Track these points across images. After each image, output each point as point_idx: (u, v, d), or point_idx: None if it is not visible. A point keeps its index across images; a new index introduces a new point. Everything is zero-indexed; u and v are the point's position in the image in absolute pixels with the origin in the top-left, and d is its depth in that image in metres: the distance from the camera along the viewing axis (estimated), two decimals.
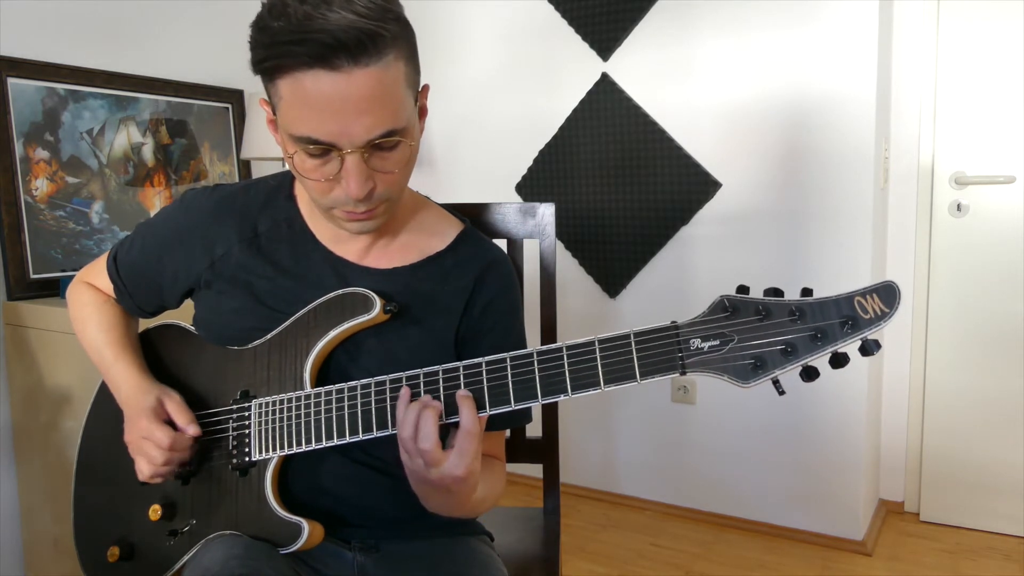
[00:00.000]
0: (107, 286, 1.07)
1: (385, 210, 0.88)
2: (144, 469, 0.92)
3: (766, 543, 2.27)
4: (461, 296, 0.97)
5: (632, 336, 0.78)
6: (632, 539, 2.32)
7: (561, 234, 2.56)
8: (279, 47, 0.74)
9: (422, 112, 0.90)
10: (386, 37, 0.75)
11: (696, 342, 0.76)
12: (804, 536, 2.27)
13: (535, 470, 1.33)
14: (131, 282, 1.04)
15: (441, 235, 1.00)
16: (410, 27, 0.83)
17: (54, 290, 1.90)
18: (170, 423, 0.93)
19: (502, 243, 1.20)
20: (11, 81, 1.86)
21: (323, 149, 0.79)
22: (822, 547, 2.23)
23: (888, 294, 0.72)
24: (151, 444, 0.91)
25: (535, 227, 1.30)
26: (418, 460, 0.81)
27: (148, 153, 2.18)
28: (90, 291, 1.08)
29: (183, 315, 1.05)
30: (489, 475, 0.96)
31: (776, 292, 0.76)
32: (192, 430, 0.92)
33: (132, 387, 0.96)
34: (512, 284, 1.03)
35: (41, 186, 1.91)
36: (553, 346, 0.81)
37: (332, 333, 0.91)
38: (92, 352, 1.03)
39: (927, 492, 2.37)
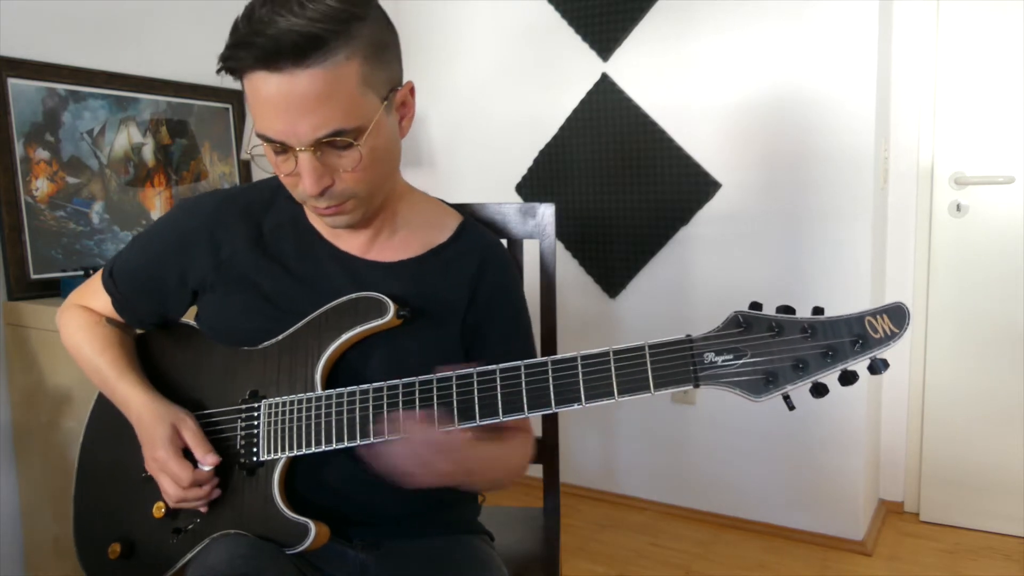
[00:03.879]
0: (101, 306, 1.04)
1: (355, 206, 0.88)
2: (170, 497, 0.92)
3: (766, 543, 2.27)
4: (465, 289, 0.98)
5: (647, 348, 0.79)
6: (632, 539, 2.32)
7: (561, 234, 2.56)
8: (233, 50, 0.79)
9: (405, 109, 0.91)
10: (328, 40, 0.77)
11: (710, 356, 0.78)
12: (804, 536, 2.27)
13: (535, 470, 1.33)
14: (132, 292, 1.02)
15: (442, 227, 1.01)
16: (380, 26, 0.84)
17: (54, 290, 1.89)
18: (187, 452, 0.92)
19: (502, 243, 1.20)
20: (11, 81, 1.86)
21: (281, 146, 0.82)
22: (822, 547, 2.23)
23: (898, 315, 0.75)
24: (168, 479, 0.90)
25: (535, 227, 1.30)
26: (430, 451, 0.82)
27: (148, 153, 2.18)
28: (81, 314, 1.05)
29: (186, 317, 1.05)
30: (500, 445, 0.98)
31: (788, 309, 0.78)
32: (210, 461, 0.91)
33: (141, 407, 0.94)
34: (513, 274, 1.05)
35: (41, 186, 1.91)
36: (567, 355, 0.82)
37: (344, 336, 0.91)
38: (92, 374, 1.02)
39: (927, 492, 2.37)
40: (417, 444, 0.81)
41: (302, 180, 0.83)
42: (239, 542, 0.87)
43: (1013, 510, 2.25)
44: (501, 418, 0.83)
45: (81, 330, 1.04)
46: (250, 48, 0.77)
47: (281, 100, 0.78)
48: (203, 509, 0.93)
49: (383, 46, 0.84)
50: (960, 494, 2.32)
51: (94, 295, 1.05)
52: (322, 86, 0.78)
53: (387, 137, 0.87)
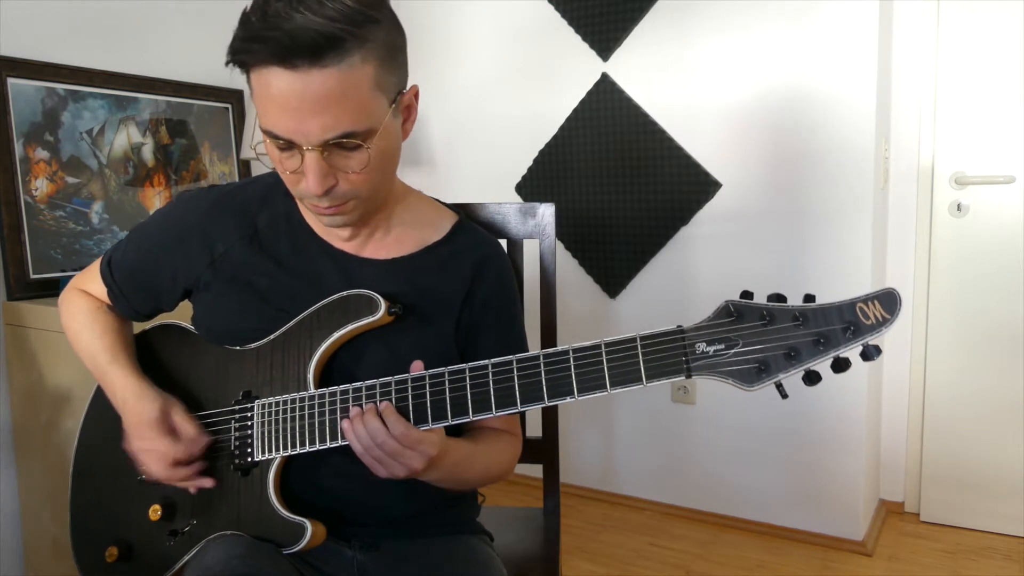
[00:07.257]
0: (100, 292, 1.06)
1: (355, 207, 0.88)
2: (152, 475, 0.92)
3: (766, 543, 2.27)
4: (461, 288, 0.98)
5: (638, 340, 0.79)
6: (632, 539, 2.32)
7: (561, 234, 2.56)
8: (246, 43, 0.77)
9: (408, 112, 0.91)
10: (347, 41, 0.76)
11: (701, 346, 0.77)
12: (804, 536, 2.27)
13: (535, 470, 1.34)
14: (127, 285, 1.03)
15: (436, 226, 1.01)
16: (392, 30, 0.83)
17: (54, 290, 1.90)
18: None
19: (501, 243, 1.20)
20: (11, 81, 1.85)
21: (286, 143, 0.81)
22: (822, 547, 2.23)
23: (889, 301, 0.74)
24: (156, 456, 0.90)
25: (535, 227, 1.30)
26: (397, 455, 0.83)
27: (148, 153, 2.18)
28: (83, 298, 1.07)
29: (181, 315, 1.05)
30: (486, 448, 0.98)
31: (779, 297, 0.77)
32: (202, 442, 0.92)
33: (130, 393, 0.95)
34: (510, 276, 1.05)
35: (41, 186, 1.91)
36: (559, 349, 0.81)
37: (336, 334, 0.91)
38: (87, 359, 1.03)
39: (927, 492, 2.37)
40: (387, 438, 0.82)
41: (306, 179, 0.82)
42: (236, 543, 0.87)
43: (1013, 510, 2.25)
44: (495, 412, 0.83)
45: (82, 313, 1.05)
46: (265, 42, 0.75)
47: (293, 98, 0.77)
48: (192, 489, 0.93)
49: (395, 50, 0.84)
50: (960, 494, 2.31)
51: (94, 281, 1.06)
52: (335, 86, 0.77)
53: (392, 140, 0.87)
